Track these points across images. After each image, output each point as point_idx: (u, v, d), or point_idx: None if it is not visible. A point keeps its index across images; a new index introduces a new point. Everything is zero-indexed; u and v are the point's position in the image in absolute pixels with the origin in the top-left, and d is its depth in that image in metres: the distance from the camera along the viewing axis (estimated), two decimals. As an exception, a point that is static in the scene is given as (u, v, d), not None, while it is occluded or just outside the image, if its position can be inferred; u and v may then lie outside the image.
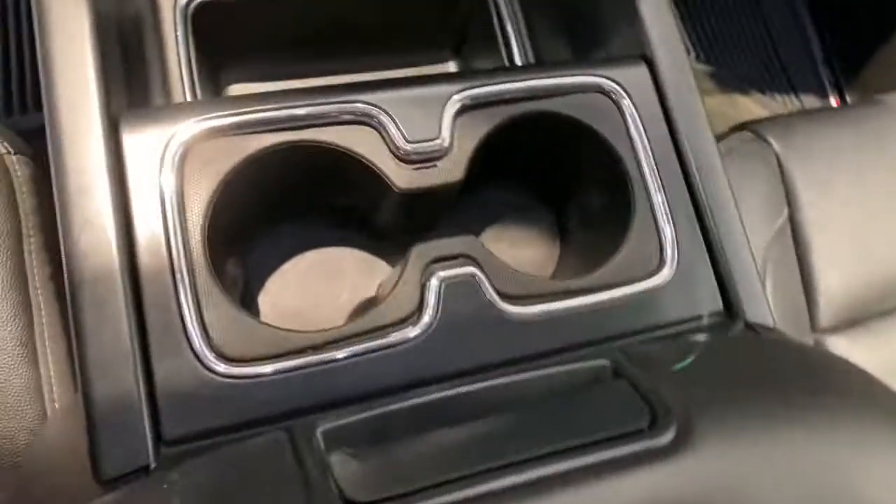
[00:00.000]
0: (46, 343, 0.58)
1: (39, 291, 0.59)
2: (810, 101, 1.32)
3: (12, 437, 0.56)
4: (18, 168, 0.60)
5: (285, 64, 0.74)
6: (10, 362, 0.56)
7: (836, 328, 0.77)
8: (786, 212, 0.74)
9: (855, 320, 0.77)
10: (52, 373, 0.58)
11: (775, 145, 0.75)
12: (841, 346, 0.77)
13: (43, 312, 0.59)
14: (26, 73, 1.04)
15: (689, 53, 1.31)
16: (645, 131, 0.54)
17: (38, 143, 0.49)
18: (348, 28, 0.74)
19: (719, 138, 0.78)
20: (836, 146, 0.76)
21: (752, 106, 1.29)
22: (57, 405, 0.57)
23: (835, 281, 0.75)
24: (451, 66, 0.79)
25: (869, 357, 0.77)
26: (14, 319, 0.57)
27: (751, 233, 0.71)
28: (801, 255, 0.75)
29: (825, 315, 0.76)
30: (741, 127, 0.80)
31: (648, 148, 0.54)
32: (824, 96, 1.36)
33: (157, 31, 0.63)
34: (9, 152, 0.60)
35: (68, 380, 0.59)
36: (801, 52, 1.36)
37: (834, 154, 0.76)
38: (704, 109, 0.56)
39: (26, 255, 0.59)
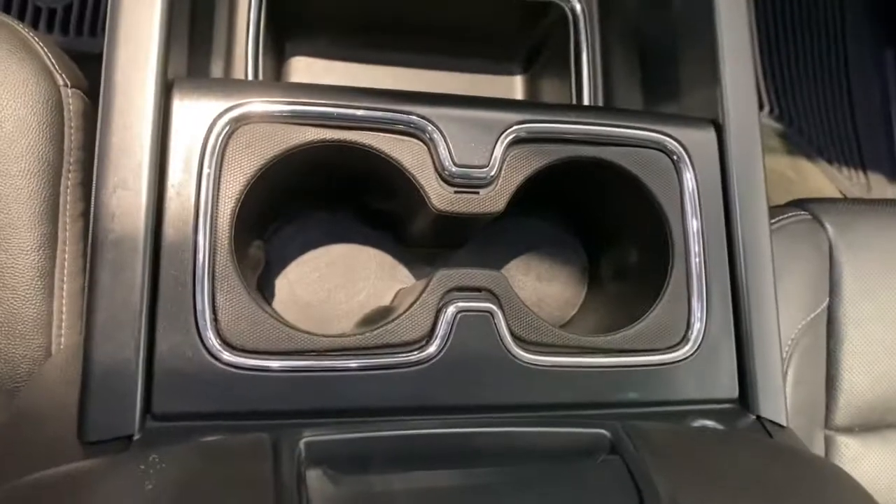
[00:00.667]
0: (65, 278, 0.59)
1: (68, 226, 0.59)
2: (879, 185, 1.27)
3: (15, 364, 0.56)
4: (72, 102, 0.60)
5: (352, 45, 0.73)
6: (27, 292, 0.57)
7: (851, 429, 0.74)
8: (826, 302, 0.71)
9: (872, 425, 0.74)
10: (63, 309, 0.59)
11: (831, 232, 0.72)
12: (853, 447, 0.74)
13: (67, 247, 0.59)
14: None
15: (762, 108, 1.27)
16: (699, 200, 0.52)
17: (93, 68, 0.48)
18: (423, 21, 0.72)
19: (775, 209, 0.75)
20: (894, 245, 0.72)
21: (815, 174, 1.24)
22: (63, 342, 0.58)
23: (860, 382, 0.72)
24: (518, 81, 0.77)
25: (879, 465, 0.75)
26: (38, 250, 0.57)
27: (786, 316, 0.69)
28: (831, 349, 0.72)
29: (843, 414, 0.73)
30: (800, 203, 0.77)
31: (699, 218, 0.52)
32: (894, 181, 1.30)
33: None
34: (65, 84, 0.60)
35: (78, 318, 0.60)
36: (881, 133, 1.31)
37: (890, 253, 0.73)
38: (766, 189, 0.54)
39: (62, 188, 0.59)
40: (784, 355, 0.67)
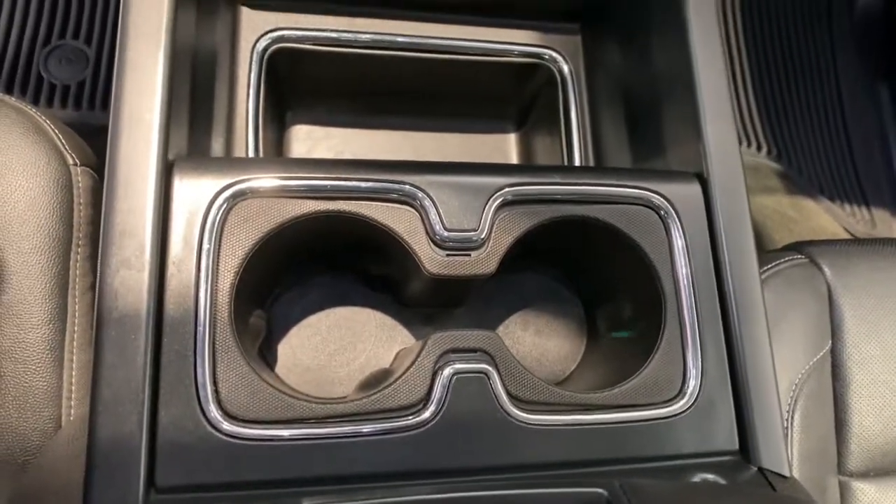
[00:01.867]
0: (74, 351, 0.60)
1: (77, 299, 0.61)
2: (883, 220, 1.27)
3: (26, 438, 0.58)
4: (81, 179, 0.62)
5: (349, 111, 0.76)
6: (37, 366, 0.58)
7: (866, 474, 0.73)
8: (828, 345, 0.71)
9: (887, 470, 0.73)
10: (73, 380, 0.60)
11: (828, 274, 0.72)
12: (869, 493, 0.73)
13: (77, 320, 0.61)
14: (101, 69, 1.09)
15: (760, 149, 1.29)
16: (688, 253, 0.53)
17: (105, 140, 0.50)
18: (417, 86, 0.75)
19: (771, 254, 0.76)
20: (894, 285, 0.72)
21: (818, 213, 1.25)
22: (73, 413, 0.59)
23: (871, 425, 0.71)
24: (511, 140, 0.80)
25: (898, 510, 0.73)
26: (49, 324, 0.59)
27: (787, 361, 0.69)
28: (838, 393, 0.71)
29: (856, 458, 0.72)
30: (796, 246, 0.77)
31: (689, 271, 0.53)
32: (896, 215, 1.30)
33: (231, 69, 0.66)
34: (75, 163, 0.63)
35: (88, 389, 0.61)
36: (881, 168, 1.31)
37: (890, 292, 0.73)
38: (754, 240, 0.55)
39: (72, 262, 0.62)
40: (789, 401, 0.67)
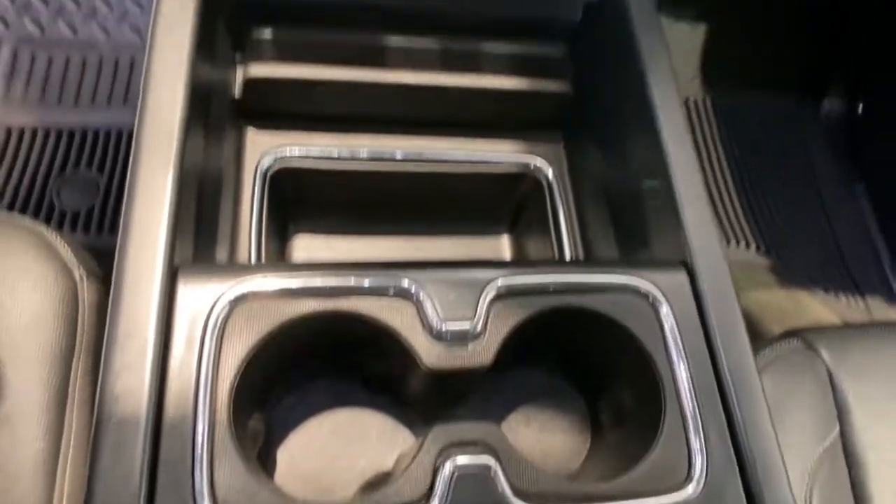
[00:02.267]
0: (68, 466, 0.59)
1: (75, 412, 0.61)
2: (879, 308, 1.28)
3: (13, 554, 0.56)
4: (87, 294, 0.64)
5: (350, 221, 0.79)
6: (29, 481, 0.57)
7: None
8: (837, 429, 0.70)
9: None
10: (65, 495, 0.59)
11: (827, 358, 0.72)
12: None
13: (73, 434, 0.61)
14: (111, 196, 1.14)
15: (748, 246, 1.32)
16: (681, 337, 0.54)
17: (111, 259, 0.53)
18: (412, 198, 0.79)
19: (769, 341, 0.76)
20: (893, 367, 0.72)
21: (814, 304, 1.26)
22: (64, 529, 0.57)
23: (894, 512, 0.69)
24: (504, 241, 0.83)
25: None
26: (43, 438, 0.59)
27: (797, 450, 0.68)
28: (854, 479, 0.69)
29: (881, 547, 0.68)
30: (793, 332, 0.78)
31: (683, 355, 0.54)
32: (893, 302, 1.32)
33: (236, 185, 0.69)
34: (81, 278, 0.65)
35: (80, 501, 0.59)
36: (869, 257, 1.34)
37: (891, 375, 0.72)
38: (744, 322, 0.56)
39: (72, 374, 0.62)
40: (805, 490, 0.65)
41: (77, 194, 1.14)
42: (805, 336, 0.76)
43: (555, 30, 0.77)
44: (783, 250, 1.34)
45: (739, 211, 1.38)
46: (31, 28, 1.25)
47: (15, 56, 1.22)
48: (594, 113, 0.75)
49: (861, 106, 1.49)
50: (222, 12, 0.66)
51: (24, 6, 1.26)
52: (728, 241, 1.34)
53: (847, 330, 0.78)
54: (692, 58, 1.47)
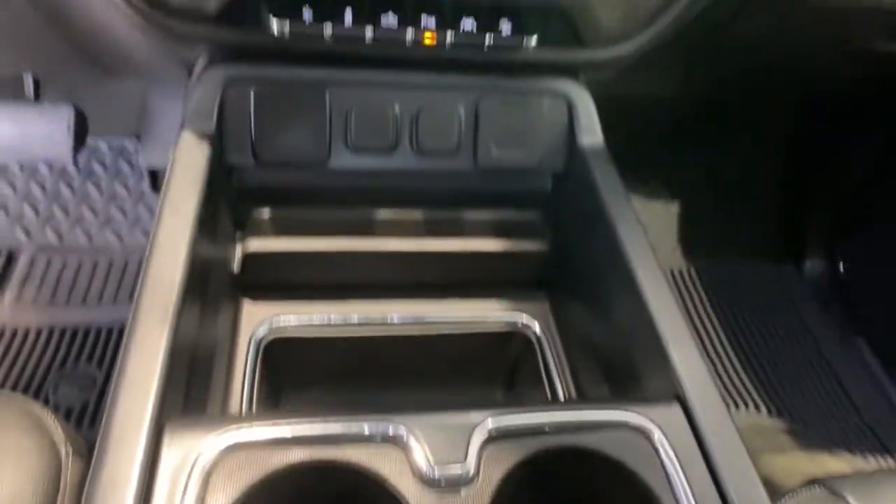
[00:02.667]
0: None
1: None
2: (902, 458, 1.22)
3: None
4: (71, 468, 0.62)
5: (342, 392, 0.79)
6: None
7: None
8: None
9: None
10: None
11: (853, 502, 0.67)
12: None
13: None
14: (107, 393, 1.14)
15: (759, 408, 1.29)
16: (683, 471, 0.52)
17: None
18: (406, 363, 0.80)
19: (789, 492, 0.72)
20: (927, 510, 0.67)
21: (835, 464, 1.19)
22: None
23: None
24: (500, 398, 0.82)
25: None
26: None
27: None
28: None
29: None
30: (816, 481, 0.74)
31: (688, 489, 0.51)
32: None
33: (229, 356, 0.71)
34: (67, 454, 0.63)
35: None
36: (882, 402, 1.31)
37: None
38: (747, 451, 0.53)
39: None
40: None
41: (74, 389, 1.14)
42: (829, 483, 0.71)
43: (529, 198, 0.84)
44: (795, 412, 1.30)
45: (743, 375, 1.37)
46: (51, 237, 1.34)
47: (32, 263, 1.30)
48: (572, 269, 0.79)
49: (842, 265, 1.54)
50: (225, 195, 0.73)
51: (47, 218, 1.36)
52: (737, 407, 1.30)
53: (873, 475, 0.74)
54: (669, 231, 1.56)
